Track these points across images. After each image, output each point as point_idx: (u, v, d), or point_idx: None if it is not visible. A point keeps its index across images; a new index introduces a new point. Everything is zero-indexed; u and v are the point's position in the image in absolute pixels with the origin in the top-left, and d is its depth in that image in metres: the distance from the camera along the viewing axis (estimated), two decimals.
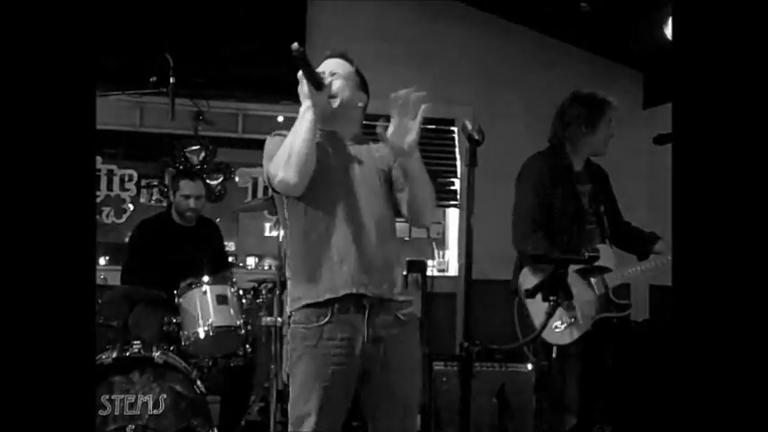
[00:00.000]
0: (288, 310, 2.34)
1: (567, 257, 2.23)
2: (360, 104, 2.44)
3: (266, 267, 5.61)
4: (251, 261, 5.73)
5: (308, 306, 2.26)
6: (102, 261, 5.19)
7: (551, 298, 2.06)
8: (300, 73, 2.21)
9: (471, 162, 2.13)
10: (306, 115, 2.22)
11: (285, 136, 2.32)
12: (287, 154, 2.18)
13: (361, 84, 2.45)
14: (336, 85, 2.32)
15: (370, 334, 2.24)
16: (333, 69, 2.36)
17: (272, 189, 2.34)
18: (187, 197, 4.14)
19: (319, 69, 2.34)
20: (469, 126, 2.13)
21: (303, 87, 2.23)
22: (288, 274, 2.39)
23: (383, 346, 2.26)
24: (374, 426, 2.34)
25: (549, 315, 2.03)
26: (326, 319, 2.23)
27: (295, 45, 2.08)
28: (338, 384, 2.23)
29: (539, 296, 2.09)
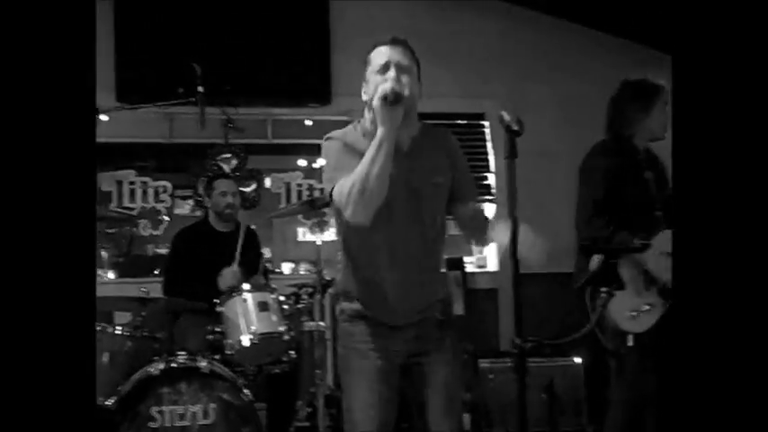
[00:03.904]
0: (337, 309, 2.38)
1: (616, 247, 2.18)
2: (419, 98, 2.32)
3: (302, 272, 5.61)
4: (286, 267, 5.72)
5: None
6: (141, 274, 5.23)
7: (603, 289, 2.02)
8: (385, 94, 2.10)
9: (511, 154, 2.11)
10: (382, 147, 2.08)
11: (338, 140, 2.28)
12: (360, 189, 2.08)
13: (419, 73, 2.32)
14: (407, 88, 2.19)
15: (412, 332, 2.31)
16: (399, 60, 2.23)
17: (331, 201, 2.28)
18: (224, 194, 4.17)
19: (384, 60, 2.24)
20: (507, 117, 2.11)
21: (381, 110, 2.10)
22: (337, 279, 2.39)
23: (424, 345, 2.32)
24: (422, 421, 2.35)
25: (603, 307, 1.99)
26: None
27: (390, 93, 2.06)
28: (382, 379, 2.27)
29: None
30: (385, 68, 2.22)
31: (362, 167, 2.09)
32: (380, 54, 2.27)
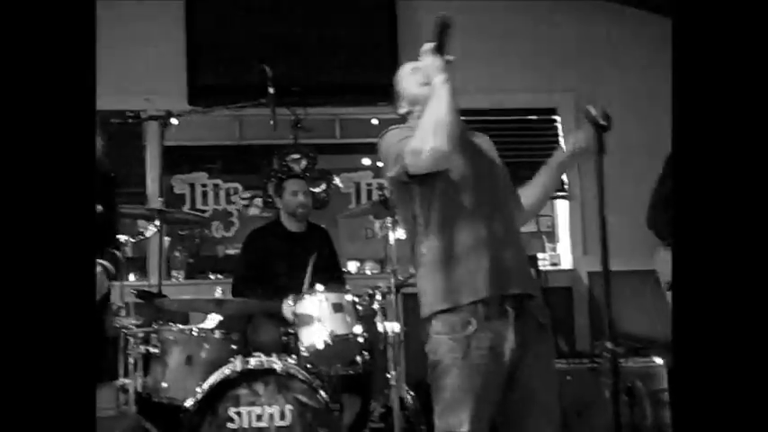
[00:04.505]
0: (425, 312, 2.23)
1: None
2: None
3: (368, 271, 5.59)
4: (352, 265, 5.71)
5: (447, 311, 2.17)
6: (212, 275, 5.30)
7: None
8: (432, 46, 2.18)
9: (600, 149, 2.06)
10: (443, 87, 2.15)
11: (394, 128, 2.34)
12: (432, 124, 2.12)
13: None
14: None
15: (517, 339, 2.16)
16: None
17: (408, 175, 2.22)
18: (295, 193, 4.21)
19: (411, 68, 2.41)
20: (593, 111, 2.09)
21: (433, 61, 2.18)
22: (422, 273, 2.29)
23: (529, 352, 2.18)
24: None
25: None
26: (473, 328, 2.14)
27: (444, 14, 2.17)
28: (488, 394, 2.15)
29: None
30: (416, 69, 2.35)
31: (429, 107, 2.15)
32: (407, 67, 2.45)
